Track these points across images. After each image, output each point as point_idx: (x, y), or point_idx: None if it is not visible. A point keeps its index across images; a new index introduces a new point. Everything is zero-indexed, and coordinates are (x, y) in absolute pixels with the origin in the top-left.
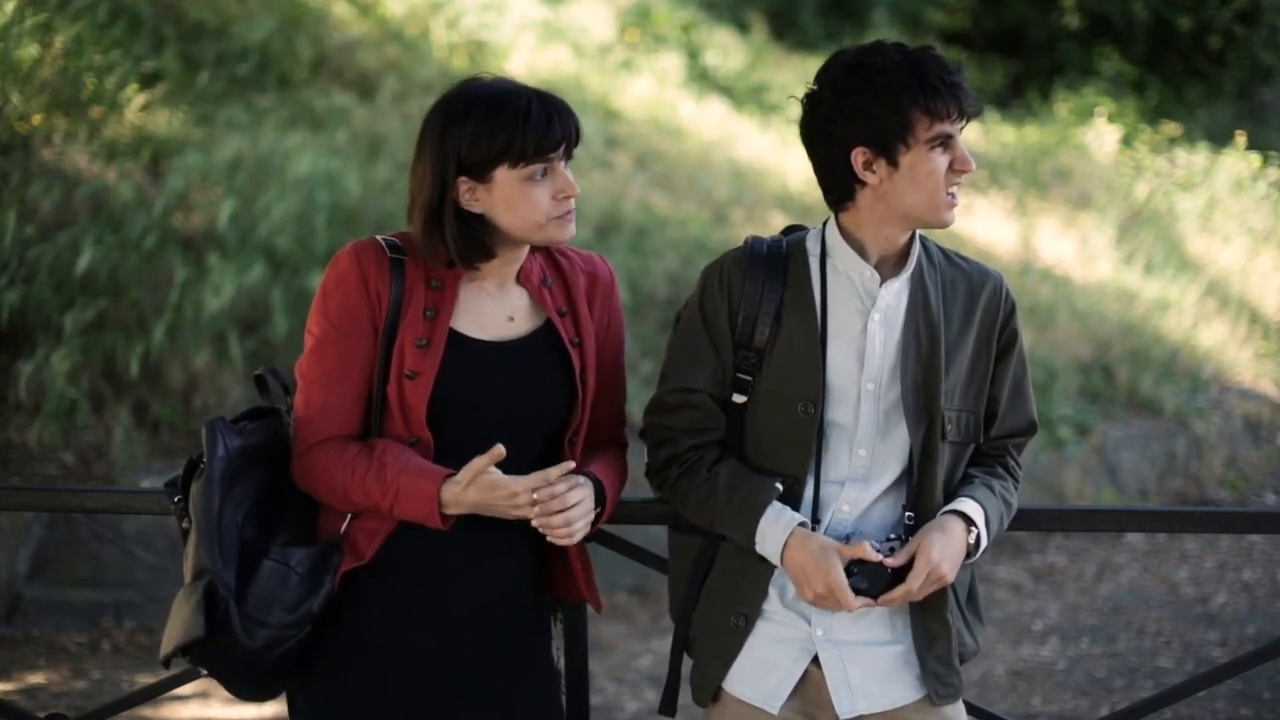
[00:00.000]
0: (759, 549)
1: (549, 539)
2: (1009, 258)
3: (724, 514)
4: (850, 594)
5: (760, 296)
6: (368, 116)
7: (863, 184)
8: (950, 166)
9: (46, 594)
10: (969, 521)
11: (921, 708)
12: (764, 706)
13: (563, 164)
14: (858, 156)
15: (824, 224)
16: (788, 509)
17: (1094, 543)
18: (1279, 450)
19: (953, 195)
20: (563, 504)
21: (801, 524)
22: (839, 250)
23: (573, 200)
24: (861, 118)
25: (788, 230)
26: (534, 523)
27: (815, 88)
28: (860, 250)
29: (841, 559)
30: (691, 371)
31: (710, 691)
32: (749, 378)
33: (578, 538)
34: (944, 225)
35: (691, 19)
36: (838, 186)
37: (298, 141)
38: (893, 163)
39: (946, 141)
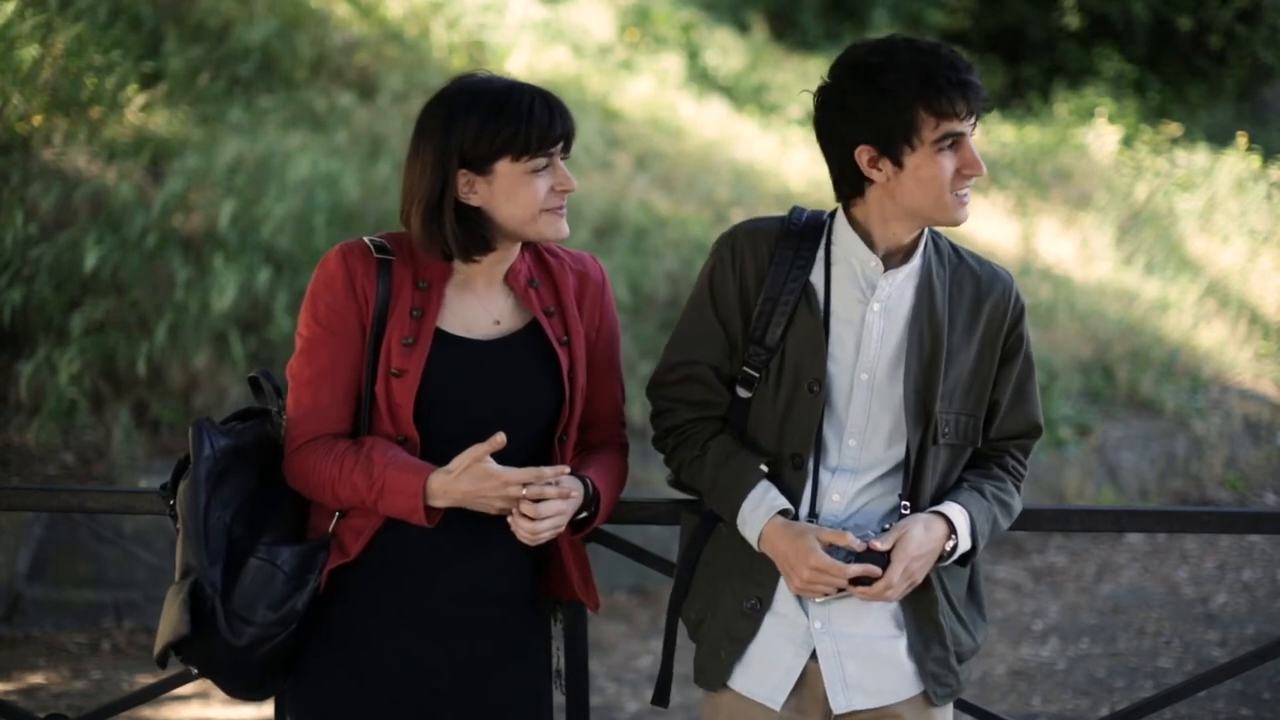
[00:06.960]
0: (741, 532)
1: (514, 532)
2: (1009, 258)
3: (711, 494)
4: (841, 564)
5: (781, 287)
6: (368, 117)
7: (871, 181)
8: (958, 170)
9: (46, 594)
10: (951, 527)
11: (914, 705)
12: (767, 703)
13: (561, 160)
14: (862, 154)
15: (833, 213)
16: (773, 491)
17: (1094, 543)
18: (1279, 450)
19: (962, 195)
20: (535, 512)
21: (783, 511)
22: (844, 239)
23: (567, 196)
24: (866, 116)
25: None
26: (508, 517)
27: (827, 81)
28: (867, 241)
29: (821, 543)
30: (696, 346)
31: (722, 675)
32: (755, 374)
33: (541, 540)
34: (956, 223)
35: (691, 19)
36: (847, 182)
37: (298, 142)
38: (897, 163)
39: (956, 141)
